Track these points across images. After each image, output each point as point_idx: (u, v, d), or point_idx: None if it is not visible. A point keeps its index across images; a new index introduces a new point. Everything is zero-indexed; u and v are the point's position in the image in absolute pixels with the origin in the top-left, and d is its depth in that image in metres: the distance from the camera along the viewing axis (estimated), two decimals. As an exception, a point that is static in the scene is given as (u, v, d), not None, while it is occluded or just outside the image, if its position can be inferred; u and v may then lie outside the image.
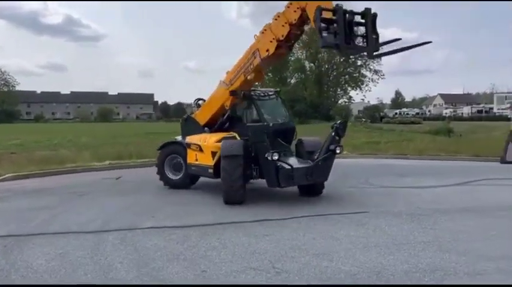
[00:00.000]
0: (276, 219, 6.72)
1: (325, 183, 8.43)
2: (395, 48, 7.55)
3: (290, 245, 5.40)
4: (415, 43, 7.70)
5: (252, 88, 9.44)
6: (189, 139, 9.46)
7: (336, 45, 7.07)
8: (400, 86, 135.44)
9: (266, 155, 7.39)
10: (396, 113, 70.64)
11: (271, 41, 7.99)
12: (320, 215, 6.90)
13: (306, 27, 8.38)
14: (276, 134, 8.54)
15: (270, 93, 9.55)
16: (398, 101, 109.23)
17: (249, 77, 8.57)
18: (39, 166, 13.16)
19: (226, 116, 9.27)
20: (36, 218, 7.05)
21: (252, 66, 8.46)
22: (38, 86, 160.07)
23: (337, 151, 7.74)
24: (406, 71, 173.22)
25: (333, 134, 7.78)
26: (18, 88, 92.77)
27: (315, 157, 7.86)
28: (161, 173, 10.03)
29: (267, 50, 8.06)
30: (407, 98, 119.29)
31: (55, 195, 9.23)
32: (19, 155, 16.02)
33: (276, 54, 8.19)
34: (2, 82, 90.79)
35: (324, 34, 7.01)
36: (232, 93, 8.85)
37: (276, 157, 7.38)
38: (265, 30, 8.15)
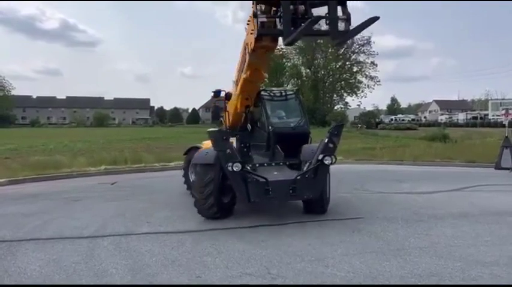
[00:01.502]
0: (271, 225, 6.71)
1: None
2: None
3: (285, 251, 5.38)
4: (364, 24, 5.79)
5: (268, 88, 8.79)
6: (202, 144, 9.00)
7: (280, 31, 5.73)
8: (395, 93, 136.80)
9: (226, 166, 6.41)
10: (392, 119, 70.98)
11: (251, 33, 6.78)
12: (315, 221, 6.88)
13: None
14: (281, 140, 7.87)
15: (289, 93, 8.74)
16: (394, 107, 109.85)
17: (244, 76, 7.63)
18: (34, 171, 13.10)
19: (243, 119, 8.63)
20: (30, 223, 7.00)
21: (245, 63, 7.46)
22: (34, 90, 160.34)
23: (326, 162, 6.53)
24: (401, 78, 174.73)
25: (326, 141, 6.68)
26: (13, 93, 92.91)
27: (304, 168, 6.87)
28: (186, 179, 9.71)
29: (250, 43, 6.90)
30: (403, 105, 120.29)
31: (50, 200, 9.17)
32: (13, 160, 15.96)
33: (260, 47, 6.80)
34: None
35: (263, 19, 5.69)
36: (215, 94, 8.01)
37: (237, 168, 6.33)
38: (249, 21, 6.92)
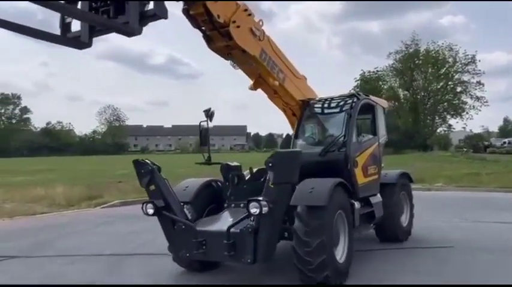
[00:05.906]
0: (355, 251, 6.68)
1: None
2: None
3: (369, 277, 5.36)
4: None
5: (326, 97, 6.95)
6: None
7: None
8: (509, 113, 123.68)
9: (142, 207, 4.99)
10: (505, 143, 64.21)
11: None
12: (399, 249, 6.68)
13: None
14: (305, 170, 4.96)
15: (347, 101, 6.46)
16: (507, 128, 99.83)
17: (252, 88, 6.43)
18: (140, 194, 14.50)
19: None
20: (135, 240, 7.92)
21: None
22: (144, 120, 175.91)
23: (252, 210, 4.33)
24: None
25: (268, 177, 4.56)
26: (127, 123, 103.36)
27: None
28: None
29: None
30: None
31: (152, 221, 10.09)
32: (125, 183, 17.76)
33: (217, 50, 5.73)
34: (114, 118, 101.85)
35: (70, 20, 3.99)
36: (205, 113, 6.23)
37: (150, 211, 4.94)
38: None
